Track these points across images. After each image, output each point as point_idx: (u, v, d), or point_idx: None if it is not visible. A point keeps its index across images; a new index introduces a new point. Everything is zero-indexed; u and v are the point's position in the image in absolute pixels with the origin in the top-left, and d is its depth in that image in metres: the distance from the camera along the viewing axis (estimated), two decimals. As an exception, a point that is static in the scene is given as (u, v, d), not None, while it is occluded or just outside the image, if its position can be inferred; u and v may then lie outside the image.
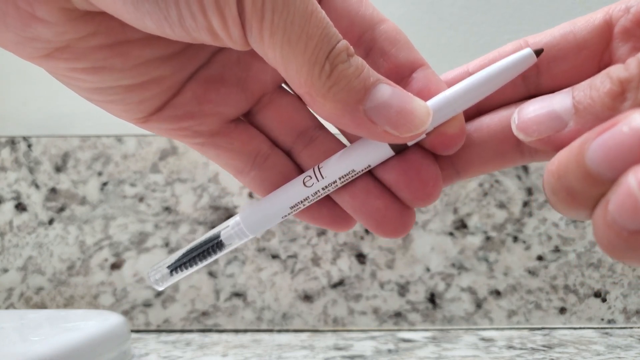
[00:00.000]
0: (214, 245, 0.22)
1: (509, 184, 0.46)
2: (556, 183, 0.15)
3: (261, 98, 0.22)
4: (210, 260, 0.22)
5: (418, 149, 0.20)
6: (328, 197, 0.22)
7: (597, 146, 0.14)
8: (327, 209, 0.22)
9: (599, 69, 0.20)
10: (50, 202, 0.47)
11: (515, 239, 0.46)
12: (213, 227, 0.46)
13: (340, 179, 0.20)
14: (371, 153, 0.20)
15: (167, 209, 0.46)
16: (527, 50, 0.19)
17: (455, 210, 0.46)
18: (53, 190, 0.47)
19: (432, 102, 0.19)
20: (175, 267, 0.22)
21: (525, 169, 0.46)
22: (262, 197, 0.22)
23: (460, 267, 0.46)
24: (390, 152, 0.20)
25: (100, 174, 0.47)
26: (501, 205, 0.46)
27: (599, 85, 0.16)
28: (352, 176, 0.20)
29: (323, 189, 0.21)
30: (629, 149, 0.13)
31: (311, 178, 0.21)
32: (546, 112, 0.17)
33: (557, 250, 0.46)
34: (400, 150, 0.20)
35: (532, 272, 0.46)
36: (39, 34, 0.17)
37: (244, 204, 0.21)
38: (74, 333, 0.32)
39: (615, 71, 0.16)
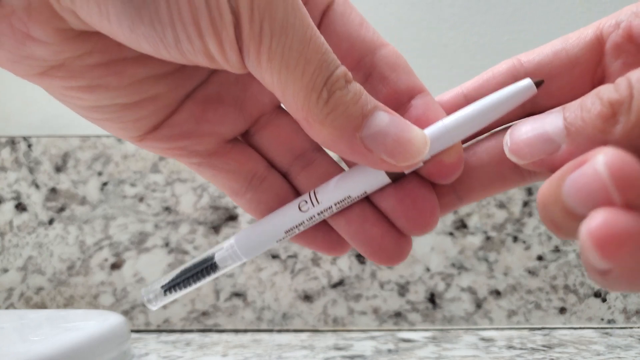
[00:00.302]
0: (208, 267, 0.21)
1: (509, 184, 0.46)
2: (542, 213, 0.15)
3: (259, 118, 0.22)
4: (204, 281, 0.22)
5: (415, 177, 0.20)
6: (324, 222, 0.21)
7: (570, 182, 0.14)
8: (323, 233, 0.22)
9: (592, 85, 0.20)
10: (50, 202, 0.47)
11: (515, 238, 0.46)
12: (213, 227, 0.46)
13: (335, 204, 0.20)
14: (368, 180, 0.20)
15: (167, 209, 0.46)
16: (527, 82, 0.19)
17: (455, 210, 0.46)
18: (53, 190, 0.47)
19: (429, 131, 0.19)
20: (169, 287, 0.22)
21: (525, 169, 0.46)
22: (257, 218, 0.22)
23: (460, 267, 0.46)
24: (387, 180, 0.20)
25: (100, 174, 0.47)
26: (501, 205, 0.46)
27: (589, 106, 0.16)
28: (348, 202, 0.20)
29: (318, 214, 0.20)
30: (592, 190, 0.13)
31: (307, 203, 0.20)
32: (538, 134, 0.17)
33: (557, 250, 0.46)
34: (397, 178, 0.20)
35: (532, 272, 0.46)
36: (33, 52, 0.17)
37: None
38: (74, 333, 0.32)
39: (606, 92, 0.15)
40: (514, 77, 0.20)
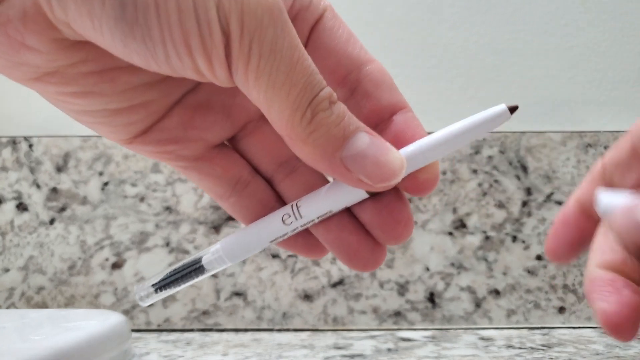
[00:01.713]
0: (196, 269, 0.22)
1: (507, 183, 0.46)
2: None
3: (246, 125, 0.23)
4: (192, 282, 0.23)
5: (392, 190, 0.21)
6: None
7: None
8: (302, 238, 0.22)
9: None
10: (51, 202, 0.47)
11: (515, 238, 0.46)
12: (214, 227, 0.46)
13: (317, 217, 0.21)
14: (348, 195, 0.21)
15: (168, 209, 0.46)
16: (502, 107, 0.19)
17: (455, 210, 0.46)
18: (54, 190, 0.47)
19: (407, 150, 0.20)
20: (160, 286, 0.23)
21: (524, 169, 0.46)
22: (240, 221, 0.23)
23: (460, 267, 0.46)
24: (365, 195, 0.21)
25: (101, 173, 0.47)
26: (500, 205, 0.46)
27: None
28: (328, 215, 0.21)
29: (301, 226, 0.21)
30: None
31: (290, 216, 0.21)
32: (634, 223, 0.18)
33: (556, 249, 0.46)
34: (375, 193, 0.21)
35: (531, 272, 0.46)
36: (28, 60, 0.18)
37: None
38: (75, 332, 0.32)
39: None
40: None
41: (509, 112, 0.19)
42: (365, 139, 0.18)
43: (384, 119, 0.21)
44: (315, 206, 0.21)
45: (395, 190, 0.21)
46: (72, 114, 0.20)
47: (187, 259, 0.23)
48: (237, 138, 0.23)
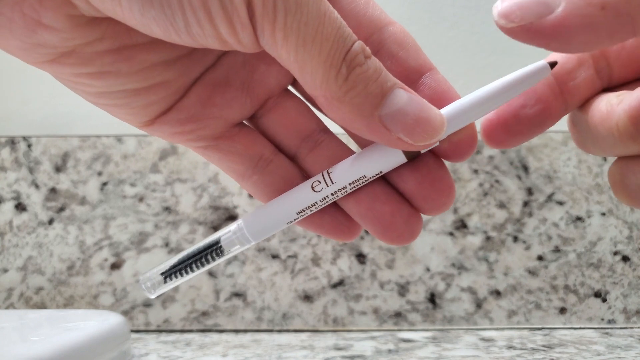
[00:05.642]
0: (213, 251, 0.21)
1: (509, 183, 0.46)
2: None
3: (266, 102, 0.22)
4: (207, 267, 0.21)
5: (431, 157, 0.20)
6: (331, 204, 0.21)
7: None
8: (329, 216, 0.21)
9: None
10: (50, 202, 0.47)
11: (516, 239, 0.46)
12: (213, 227, 0.46)
13: (350, 184, 0.20)
14: (383, 159, 0.20)
15: (167, 209, 0.46)
16: (542, 63, 0.19)
17: (455, 210, 0.46)
18: (53, 190, 0.47)
19: (446, 111, 0.19)
20: (169, 274, 0.21)
21: (526, 169, 0.46)
22: (263, 201, 0.22)
23: (461, 267, 0.46)
24: (403, 159, 0.20)
25: (100, 173, 0.47)
26: (501, 205, 0.46)
27: None
28: (362, 182, 0.20)
29: (332, 194, 0.20)
30: None
31: (320, 183, 0.20)
32: None
33: (557, 250, 0.46)
34: (413, 157, 0.20)
35: (532, 272, 0.46)
36: (44, 40, 0.17)
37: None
38: (74, 333, 0.32)
39: None
40: None
41: (549, 68, 0.19)
42: (404, 96, 0.17)
43: (412, 80, 0.20)
44: (348, 171, 0.20)
45: (434, 157, 0.20)
46: (89, 96, 0.20)
47: (202, 242, 0.21)
48: (258, 116, 0.22)
